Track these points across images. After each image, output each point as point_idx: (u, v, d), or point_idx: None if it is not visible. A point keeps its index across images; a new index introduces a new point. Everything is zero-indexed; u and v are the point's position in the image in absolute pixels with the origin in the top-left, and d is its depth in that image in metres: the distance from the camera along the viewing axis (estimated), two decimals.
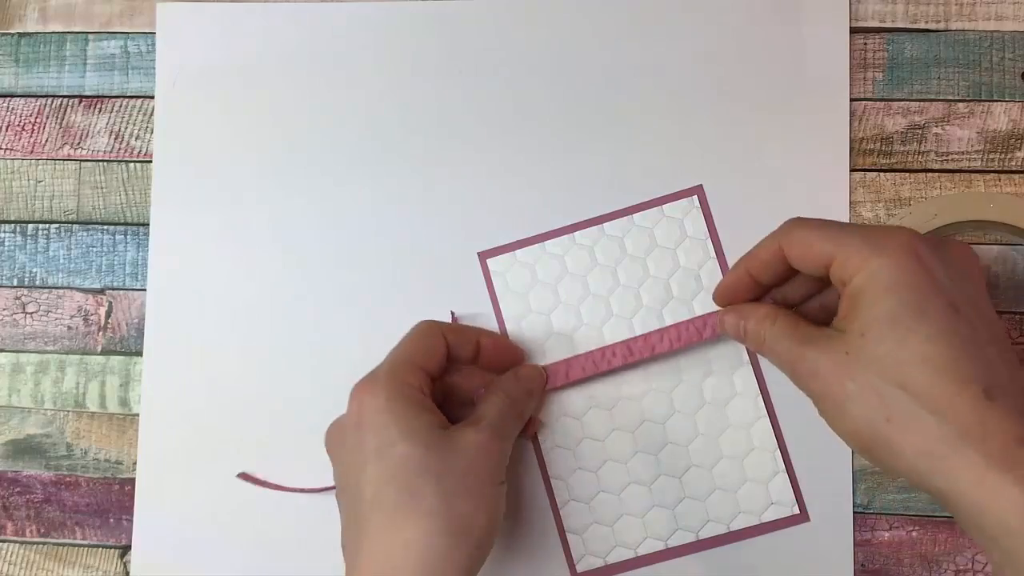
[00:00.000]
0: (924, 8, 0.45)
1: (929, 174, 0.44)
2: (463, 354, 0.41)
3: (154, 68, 0.48)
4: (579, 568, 0.43)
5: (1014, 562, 0.30)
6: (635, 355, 0.42)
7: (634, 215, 0.45)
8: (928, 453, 0.31)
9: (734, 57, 0.45)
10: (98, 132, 0.48)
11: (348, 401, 0.38)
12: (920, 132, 0.45)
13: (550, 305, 0.44)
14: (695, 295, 0.44)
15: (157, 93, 0.47)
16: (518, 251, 0.45)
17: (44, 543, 0.47)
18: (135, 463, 0.46)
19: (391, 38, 0.46)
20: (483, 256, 0.45)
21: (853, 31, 0.45)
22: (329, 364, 0.45)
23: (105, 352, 0.47)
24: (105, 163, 0.48)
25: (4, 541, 0.47)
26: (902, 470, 0.33)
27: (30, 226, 0.48)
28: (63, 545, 0.46)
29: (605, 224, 0.45)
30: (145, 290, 0.47)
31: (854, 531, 0.43)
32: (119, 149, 0.48)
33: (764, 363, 0.43)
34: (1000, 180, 0.44)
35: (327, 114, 0.46)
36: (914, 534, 0.43)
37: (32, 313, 0.47)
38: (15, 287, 0.48)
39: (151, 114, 0.47)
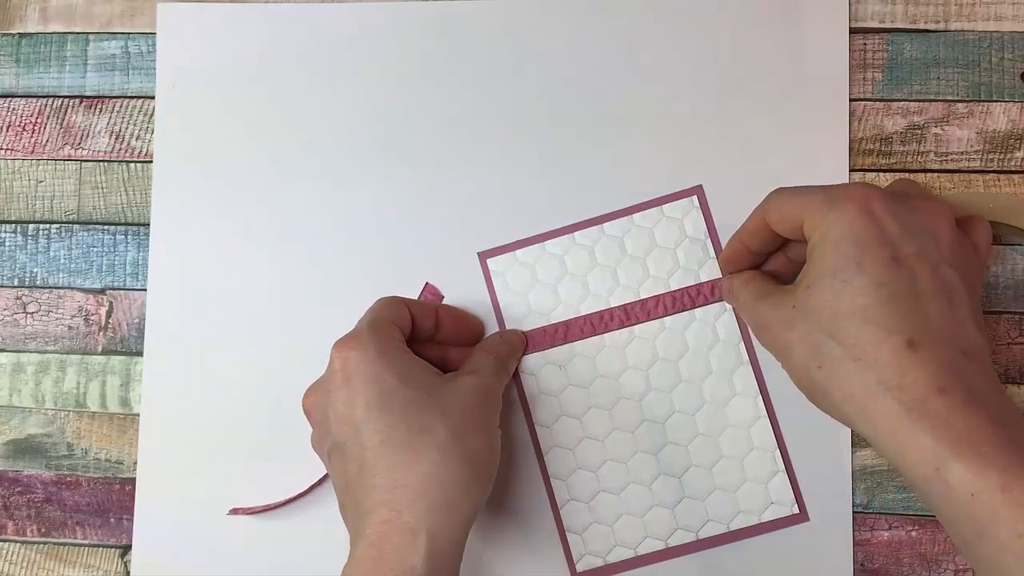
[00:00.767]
0: (924, 8, 0.45)
1: (928, 174, 0.44)
2: (424, 326, 0.42)
3: (154, 68, 0.48)
4: (579, 568, 0.43)
5: (931, 506, 0.32)
6: (631, 319, 0.43)
7: (634, 215, 0.45)
8: (852, 399, 0.33)
9: (734, 57, 0.45)
10: (99, 132, 0.48)
11: (330, 362, 0.38)
12: (920, 132, 0.45)
13: (550, 305, 0.44)
14: None
15: (157, 93, 0.47)
16: (518, 251, 0.45)
17: (45, 543, 0.47)
18: (135, 463, 0.46)
19: (391, 38, 0.47)
20: (483, 256, 0.45)
21: (853, 31, 0.45)
22: None
23: (106, 352, 0.47)
24: (105, 163, 0.48)
25: (5, 541, 0.47)
26: (834, 414, 0.35)
27: (31, 226, 0.48)
28: (64, 545, 0.46)
29: (605, 224, 0.45)
30: (145, 290, 0.47)
31: (853, 531, 0.43)
32: (119, 149, 0.48)
33: (764, 363, 0.43)
34: (999, 180, 0.44)
35: (327, 114, 0.46)
36: (913, 534, 0.43)
37: (33, 313, 0.47)
38: (16, 287, 0.48)
39: (151, 114, 0.47)
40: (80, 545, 0.46)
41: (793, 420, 0.43)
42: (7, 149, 0.48)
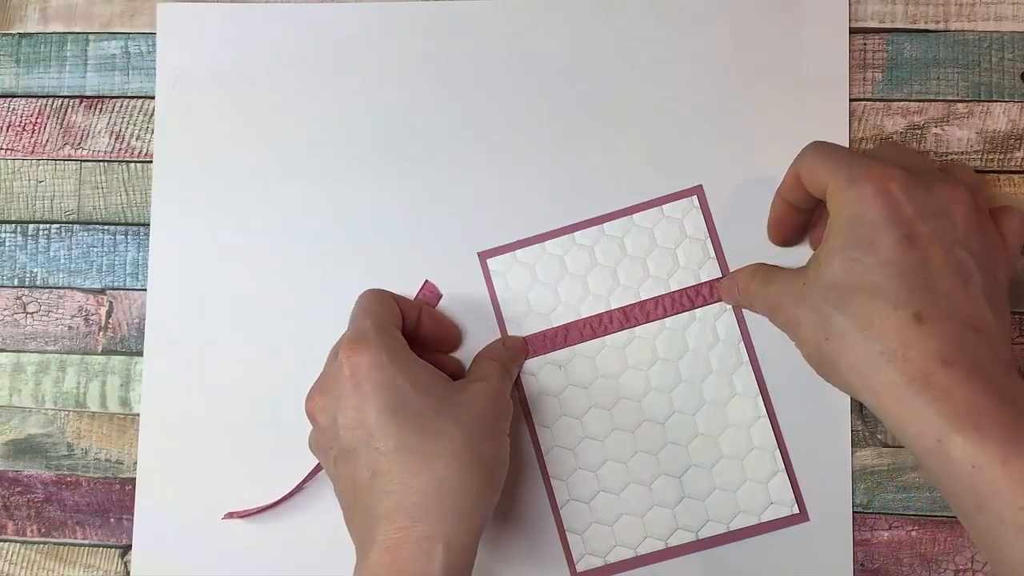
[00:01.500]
0: (924, 8, 0.45)
1: None
2: (408, 324, 0.42)
3: (154, 68, 0.48)
4: (579, 568, 0.43)
5: (933, 479, 0.32)
6: (630, 321, 0.43)
7: (634, 215, 0.45)
8: (857, 369, 0.34)
9: (734, 57, 0.45)
10: (99, 132, 0.48)
11: (334, 363, 0.38)
12: (919, 132, 0.45)
13: (550, 305, 0.44)
14: None
15: (157, 93, 0.47)
16: (518, 251, 0.45)
17: (45, 543, 0.47)
18: (135, 463, 0.46)
19: (391, 38, 0.47)
20: (483, 256, 0.45)
21: (853, 31, 0.45)
22: None
23: (106, 352, 0.47)
24: (106, 163, 0.48)
25: (5, 541, 0.47)
26: (840, 385, 0.35)
27: (31, 226, 0.48)
28: (64, 545, 0.46)
29: (605, 224, 0.45)
30: (145, 290, 0.47)
31: (853, 531, 0.43)
32: (120, 149, 0.48)
33: (764, 363, 0.43)
34: (1000, 180, 0.44)
35: (327, 114, 0.46)
36: (913, 534, 0.43)
37: (33, 313, 0.47)
38: (16, 287, 0.48)
39: (151, 114, 0.47)
40: (80, 545, 0.46)
41: (793, 420, 0.43)
42: (7, 149, 0.48)
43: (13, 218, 0.48)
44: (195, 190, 0.47)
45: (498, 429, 0.39)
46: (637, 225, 0.45)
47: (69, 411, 0.47)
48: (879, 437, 0.43)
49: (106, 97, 0.48)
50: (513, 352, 0.44)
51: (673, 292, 0.44)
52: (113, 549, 0.46)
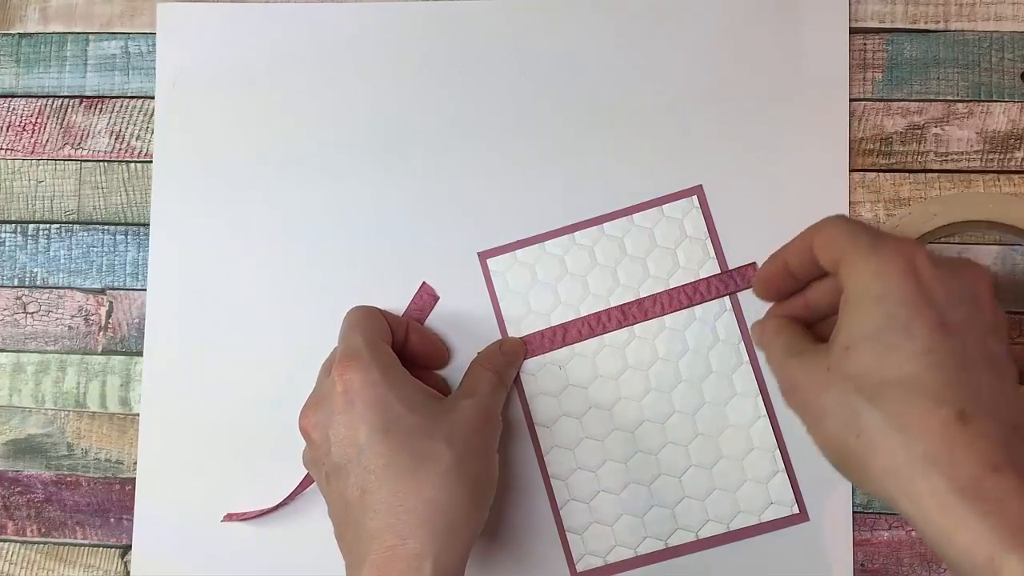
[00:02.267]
0: (924, 8, 0.45)
1: (928, 174, 0.44)
2: (396, 340, 0.42)
3: (154, 68, 0.48)
4: (579, 568, 0.43)
5: None
6: (629, 319, 0.43)
7: (634, 215, 0.45)
8: (894, 474, 0.30)
9: (734, 57, 0.45)
10: (99, 132, 0.48)
11: (327, 380, 0.38)
12: (919, 132, 0.45)
13: (550, 305, 0.44)
14: None
15: (157, 93, 0.47)
16: (518, 251, 0.45)
17: (45, 543, 0.47)
18: (135, 463, 0.46)
19: (391, 38, 0.47)
20: (483, 256, 0.45)
21: (853, 31, 0.45)
22: None
23: (106, 352, 0.47)
24: (106, 163, 0.48)
25: (5, 541, 0.47)
26: (870, 489, 0.32)
27: (31, 226, 0.48)
28: (64, 545, 0.46)
29: (605, 224, 0.45)
30: (145, 290, 0.47)
31: (853, 531, 0.43)
32: (120, 149, 0.48)
33: (764, 363, 0.43)
34: (999, 180, 0.44)
35: (327, 114, 0.46)
36: (913, 534, 0.43)
37: (33, 313, 0.47)
38: (16, 287, 0.48)
39: (151, 114, 0.47)
40: (80, 545, 0.46)
41: (793, 420, 0.43)
42: (7, 149, 0.48)
43: (13, 218, 0.48)
44: (195, 190, 0.47)
45: (488, 447, 0.40)
46: (637, 225, 0.45)
47: (69, 411, 0.47)
48: None
49: (106, 97, 0.48)
50: (510, 355, 0.43)
51: (671, 289, 0.44)
52: (113, 549, 0.46)
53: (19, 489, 0.47)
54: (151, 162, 0.47)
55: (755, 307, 0.42)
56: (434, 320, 0.45)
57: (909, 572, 0.43)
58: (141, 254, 0.47)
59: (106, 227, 0.48)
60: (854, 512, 0.43)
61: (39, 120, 0.48)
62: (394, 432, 0.36)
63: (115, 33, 0.48)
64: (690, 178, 0.45)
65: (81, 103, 0.48)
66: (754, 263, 0.44)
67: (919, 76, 0.45)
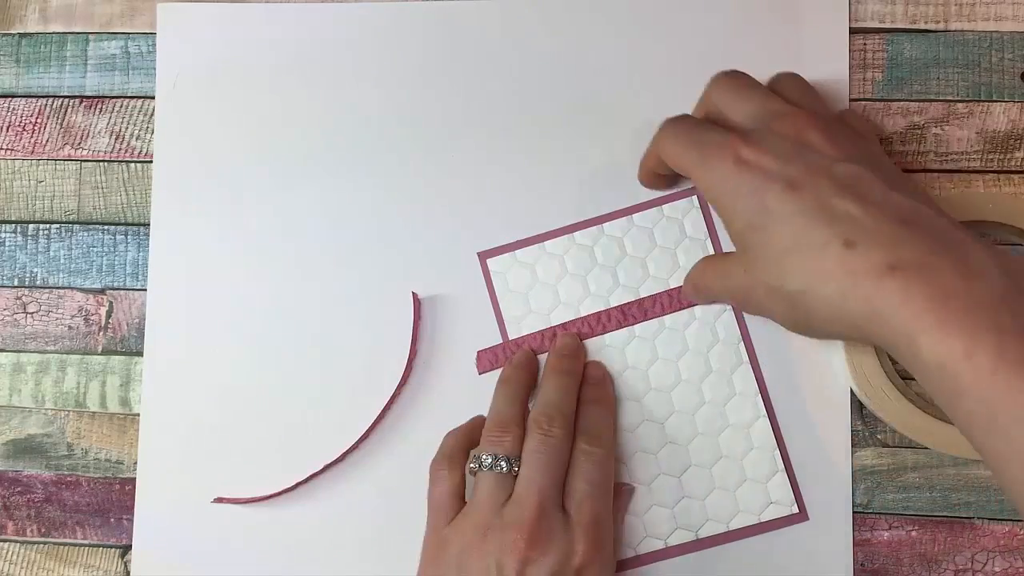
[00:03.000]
0: (924, 8, 0.45)
1: (928, 174, 0.44)
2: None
3: (154, 68, 0.48)
4: None
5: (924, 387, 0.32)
6: (628, 319, 0.43)
7: (634, 215, 0.45)
8: (831, 320, 0.34)
9: (734, 57, 0.45)
10: (99, 132, 0.48)
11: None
12: (919, 132, 0.45)
13: (550, 305, 0.44)
14: None
15: (157, 93, 0.47)
16: (518, 251, 0.45)
17: (45, 543, 0.47)
18: (135, 463, 0.46)
19: (391, 38, 0.47)
20: (483, 256, 0.45)
21: (853, 31, 0.45)
22: (329, 364, 0.45)
23: (106, 352, 0.47)
24: (106, 163, 0.48)
25: (5, 541, 0.47)
26: (823, 336, 0.37)
27: (31, 226, 0.48)
28: (64, 545, 0.46)
29: (605, 224, 0.45)
30: (145, 290, 0.47)
31: (853, 530, 0.43)
32: (120, 149, 0.48)
33: (764, 363, 0.43)
34: (999, 180, 0.44)
35: (327, 114, 0.46)
36: (913, 534, 0.43)
37: (33, 313, 0.47)
38: (16, 287, 0.48)
39: (151, 114, 0.47)
40: (80, 545, 0.46)
41: (793, 420, 0.43)
42: (7, 149, 0.48)
43: (13, 218, 0.48)
44: (195, 190, 0.47)
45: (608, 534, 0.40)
46: (637, 225, 0.45)
47: (69, 411, 0.47)
48: (879, 437, 0.43)
49: (106, 97, 0.48)
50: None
51: (671, 289, 0.44)
52: (113, 549, 0.46)
53: (19, 489, 0.47)
54: (151, 162, 0.47)
55: None
56: (434, 320, 0.45)
57: (909, 572, 0.43)
58: (141, 254, 0.47)
59: (106, 227, 0.48)
60: (854, 512, 0.43)
61: (39, 120, 0.48)
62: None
63: (115, 33, 0.48)
64: None
65: (81, 103, 0.48)
66: None
67: (919, 76, 0.45)
